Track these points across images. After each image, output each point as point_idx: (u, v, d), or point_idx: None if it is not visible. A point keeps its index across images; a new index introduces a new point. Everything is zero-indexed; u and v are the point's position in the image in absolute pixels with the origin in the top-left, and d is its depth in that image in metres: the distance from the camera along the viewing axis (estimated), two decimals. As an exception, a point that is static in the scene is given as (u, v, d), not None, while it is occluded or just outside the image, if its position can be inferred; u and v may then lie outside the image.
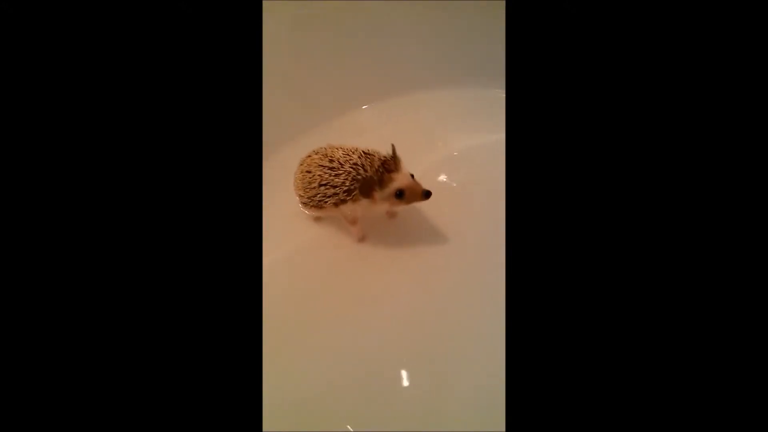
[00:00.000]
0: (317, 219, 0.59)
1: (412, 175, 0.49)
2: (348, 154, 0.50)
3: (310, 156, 0.54)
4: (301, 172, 0.54)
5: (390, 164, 0.48)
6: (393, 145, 0.50)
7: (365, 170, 0.48)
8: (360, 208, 0.51)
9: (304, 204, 0.55)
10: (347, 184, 0.49)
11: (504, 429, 0.26)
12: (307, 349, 0.49)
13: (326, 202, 0.52)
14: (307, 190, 0.53)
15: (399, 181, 0.48)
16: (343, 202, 0.51)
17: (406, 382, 0.45)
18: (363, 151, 0.50)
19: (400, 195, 0.48)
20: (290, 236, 0.58)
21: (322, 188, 0.51)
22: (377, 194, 0.49)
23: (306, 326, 0.51)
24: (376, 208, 0.51)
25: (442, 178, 0.62)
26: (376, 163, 0.48)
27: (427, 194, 0.48)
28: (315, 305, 0.52)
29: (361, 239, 0.57)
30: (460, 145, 0.65)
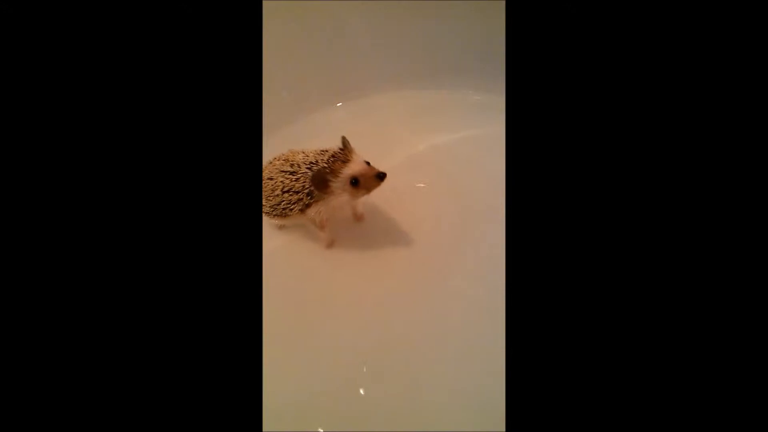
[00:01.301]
0: (281, 227, 0.58)
1: (368, 162, 0.48)
2: (306, 156, 0.49)
3: (271, 162, 0.52)
4: (263, 180, 0.52)
5: (341, 156, 0.47)
6: (343, 137, 0.49)
7: (318, 165, 0.47)
8: (325, 208, 0.50)
9: (267, 213, 0.53)
10: (307, 186, 0.48)
11: (504, 429, 0.25)
12: (297, 349, 0.47)
13: (291, 209, 0.50)
14: (269, 198, 0.51)
15: (351, 168, 0.47)
16: (308, 206, 0.49)
17: (399, 382, 0.44)
18: (320, 150, 0.49)
19: (355, 182, 0.47)
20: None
21: (286, 195, 0.50)
22: (332, 185, 0.47)
23: (297, 327, 0.49)
24: (338, 201, 0.49)
25: (412, 176, 0.61)
26: (328, 157, 0.47)
27: (381, 176, 0.46)
28: (294, 309, 0.51)
29: (330, 245, 0.55)
30: (430, 143, 0.65)
